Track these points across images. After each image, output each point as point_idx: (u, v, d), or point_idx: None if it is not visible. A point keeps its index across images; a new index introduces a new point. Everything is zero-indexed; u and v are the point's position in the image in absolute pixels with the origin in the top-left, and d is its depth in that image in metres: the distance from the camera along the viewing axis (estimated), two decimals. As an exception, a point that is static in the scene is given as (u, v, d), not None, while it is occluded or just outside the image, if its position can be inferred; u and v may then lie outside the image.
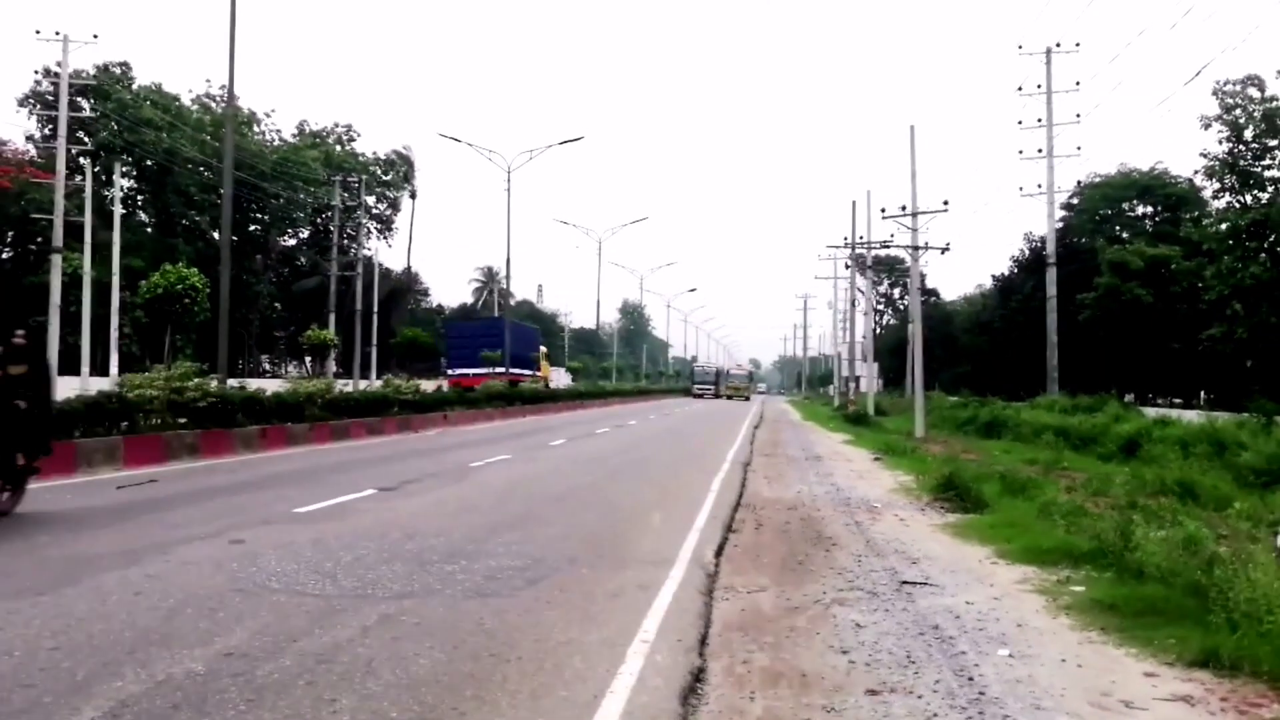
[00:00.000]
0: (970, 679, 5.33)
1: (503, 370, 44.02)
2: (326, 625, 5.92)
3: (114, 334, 40.22)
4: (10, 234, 52.50)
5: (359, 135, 77.55)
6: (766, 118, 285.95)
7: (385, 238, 79.43)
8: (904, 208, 29.93)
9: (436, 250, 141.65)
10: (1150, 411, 28.59)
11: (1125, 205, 54.98)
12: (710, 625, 6.51)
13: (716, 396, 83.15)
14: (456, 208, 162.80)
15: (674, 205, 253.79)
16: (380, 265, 67.02)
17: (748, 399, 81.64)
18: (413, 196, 79.75)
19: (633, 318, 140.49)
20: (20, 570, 7.33)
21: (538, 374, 55.18)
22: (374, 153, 77.86)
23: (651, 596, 7.11)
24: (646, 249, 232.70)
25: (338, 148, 74.50)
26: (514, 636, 5.86)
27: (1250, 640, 5.49)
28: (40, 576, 7.07)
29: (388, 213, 79.05)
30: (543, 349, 62.50)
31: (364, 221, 68.36)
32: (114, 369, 37.67)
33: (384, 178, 76.82)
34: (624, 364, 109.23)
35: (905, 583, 7.90)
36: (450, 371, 49.61)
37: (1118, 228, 53.30)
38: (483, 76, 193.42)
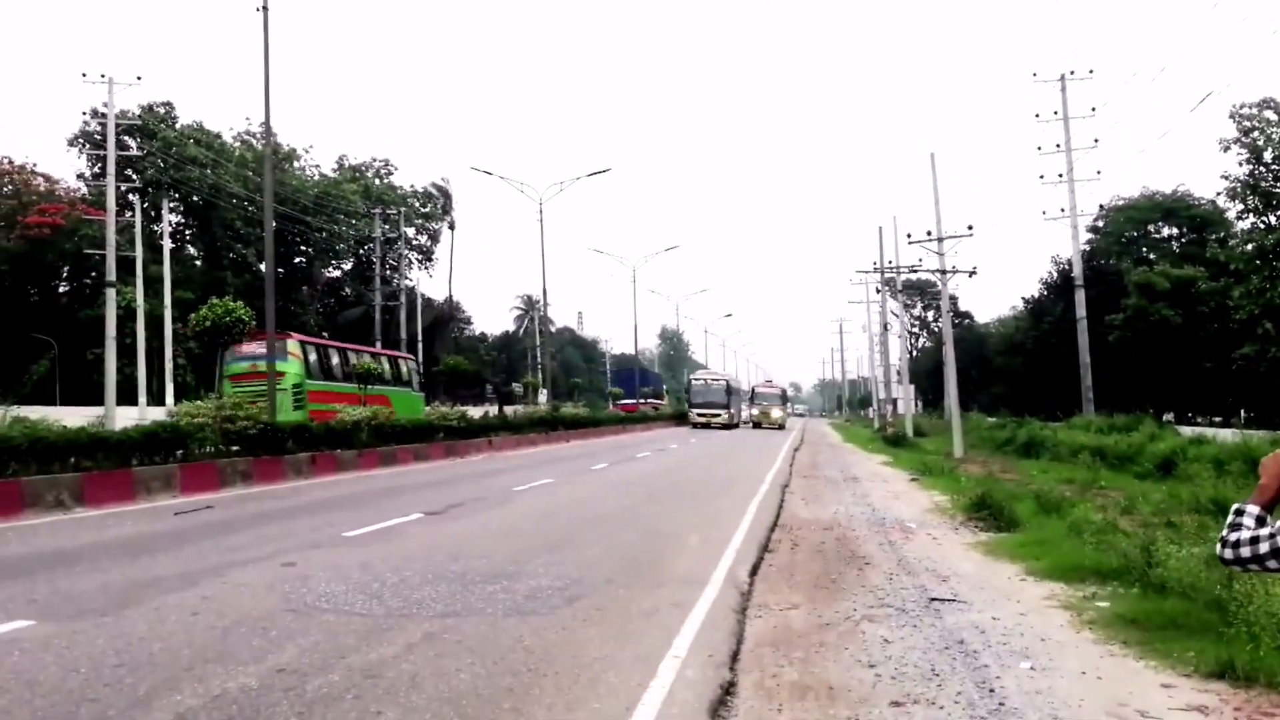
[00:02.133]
0: (991, 690, 5.48)
1: (645, 400, 74.26)
2: (373, 643, 6.19)
3: (168, 365, 41.34)
4: (65, 269, 54.08)
5: (396, 169, 78.89)
6: (794, 144, 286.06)
7: (426, 268, 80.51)
8: (929, 233, 30.12)
9: (477, 279, 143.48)
10: (1186, 430, 28.35)
11: (1150, 227, 54.99)
12: (742, 641, 6.70)
13: (730, 425, 58.14)
14: (495, 237, 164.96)
15: (707, 232, 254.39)
16: (422, 295, 68.08)
17: (782, 426, 61.49)
18: (451, 227, 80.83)
19: (672, 343, 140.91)
20: (84, 593, 7.70)
21: (661, 402, 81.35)
22: (412, 186, 79.14)
23: (685, 614, 7.30)
24: (681, 276, 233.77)
25: (376, 181, 75.81)
26: (551, 653, 6.09)
27: (1266, 652, 5.58)
28: (103, 599, 7.43)
29: (428, 244, 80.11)
30: (663, 386, 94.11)
31: (405, 252, 69.43)
32: (169, 399, 38.70)
33: (422, 210, 77.90)
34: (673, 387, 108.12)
35: (934, 599, 8.05)
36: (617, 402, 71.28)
37: (1144, 249, 53.24)
38: (515, 109, 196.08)
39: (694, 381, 62.37)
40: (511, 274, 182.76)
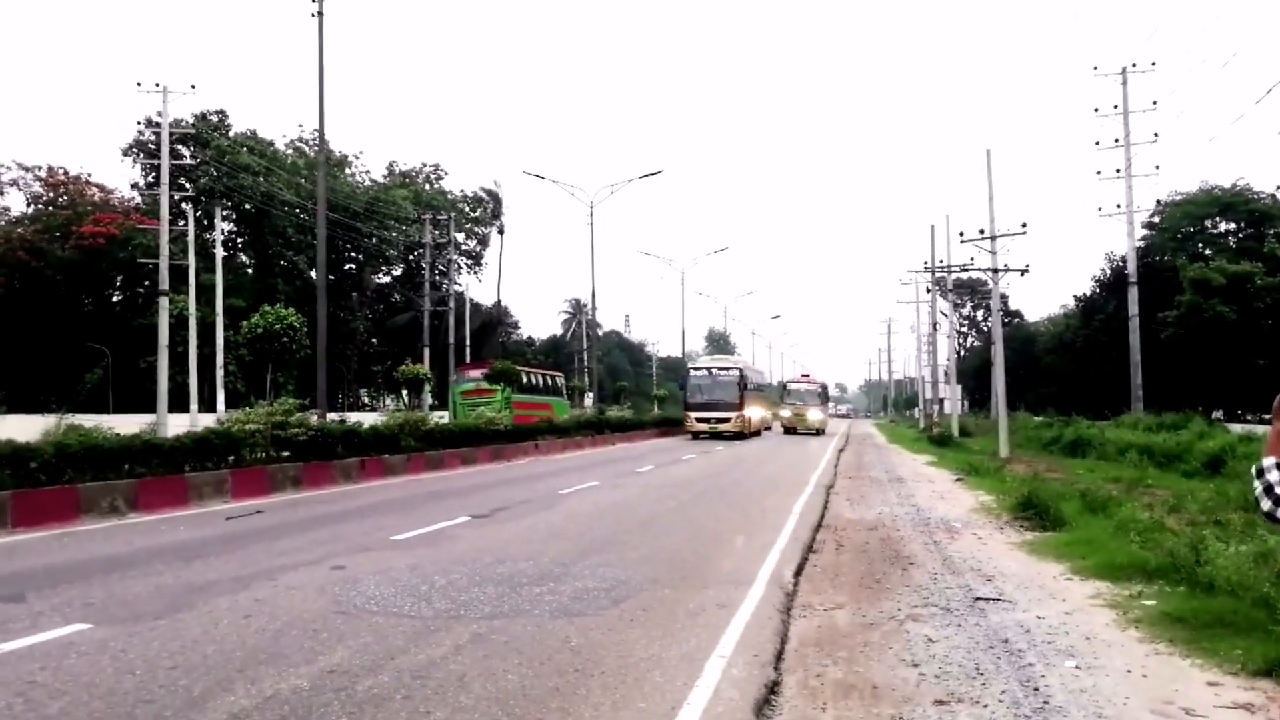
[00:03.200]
0: (1036, 689, 5.44)
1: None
2: (422, 644, 6.28)
3: (219, 372, 42.19)
4: (119, 278, 55.32)
5: (446, 174, 79.82)
6: (844, 145, 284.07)
7: (475, 273, 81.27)
8: (982, 231, 29.79)
9: (525, 283, 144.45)
10: (1236, 428, 27.75)
11: (1207, 222, 53.87)
12: (786, 641, 6.70)
13: (742, 434, 42.85)
14: (544, 241, 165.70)
15: (755, 234, 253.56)
16: (471, 300, 68.69)
17: (820, 431, 50.33)
18: (501, 232, 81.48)
19: (719, 345, 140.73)
20: (139, 597, 7.89)
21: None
22: (462, 191, 79.88)
23: (730, 614, 7.31)
24: (729, 277, 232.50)
25: (426, 186, 76.60)
26: (598, 653, 6.13)
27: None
28: (158, 603, 7.62)
29: (477, 248, 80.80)
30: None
31: (454, 257, 70.11)
32: (220, 405, 39.50)
33: (472, 214, 78.56)
34: None
35: (979, 599, 7.98)
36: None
37: (1200, 245, 52.14)
38: (565, 112, 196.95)
39: (692, 373, 45.55)
40: (559, 277, 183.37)
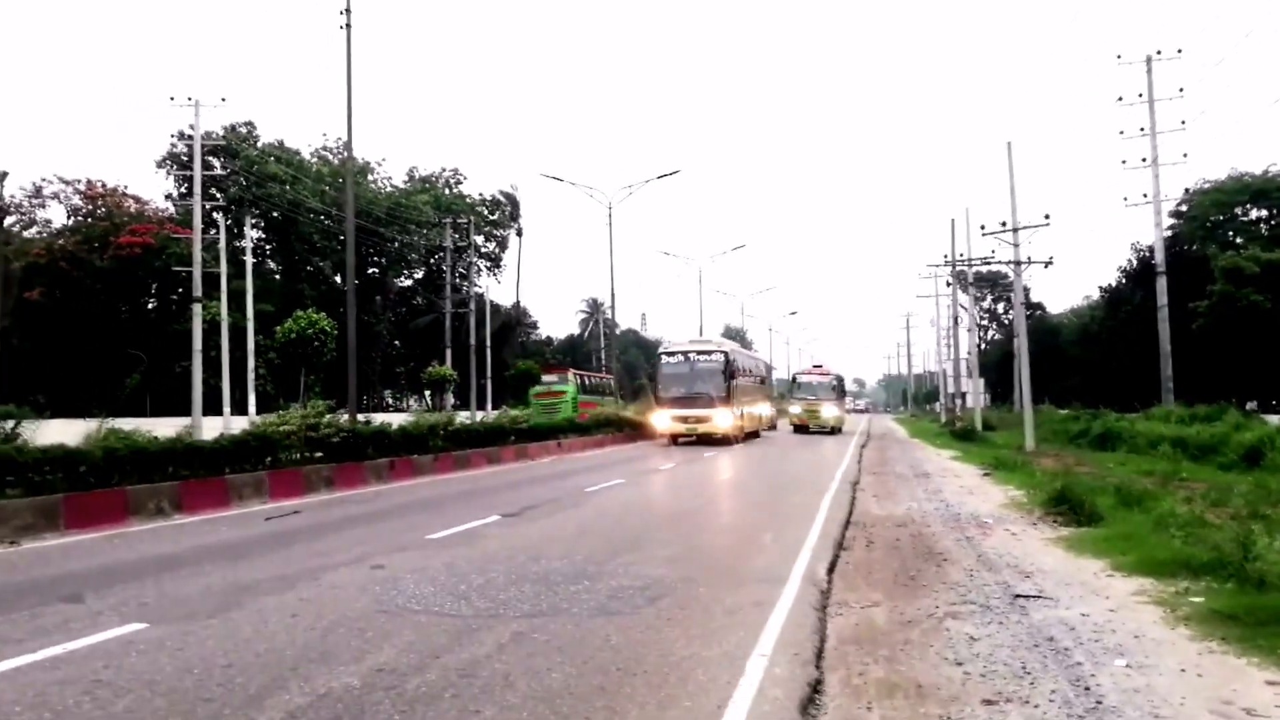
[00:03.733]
0: (1087, 689, 5.42)
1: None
2: (465, 643, 6.38)
3: (250, 375, 42.72)
4: (155, 286, 56.25)
5: (465, 178, 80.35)
6: (861, 139, 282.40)
7: (495, 275, 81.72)
8: (1004, 223, 29.65)
9: (543, 284, 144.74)
10: (1272, 419, 27.32)
11: (1238, 210, 52.97)
12: (825, 639, 6.73)
13: (729, 439, 33.68)
14: (561, 242, 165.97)
15: (772, 230, 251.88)
16: (491, 301, 69.10)
17: (836, 429, 44.56)
18: (519, 234, 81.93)
19: (737, 342, 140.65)
20: (190, 596, 8.07)
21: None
22: (480, 194, 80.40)
23: (767, 613, 7.36)
24: (746, 274, 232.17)
25: (446, 191, 77.25)
26: (639, 652, 6.20)
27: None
28: (208, 602, 7.78)
29: (496, 251, 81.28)
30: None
31: (474, 260, 70.59)
32: (252, 408, 40.00)
33: (491, 217, 79.06)
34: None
35: (1018, 596, 7.95)
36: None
37: (1230, 233, 51.32)
38: (580, 113, 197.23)
39: (664, 360, 35.83)
40: (577, 277, 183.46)
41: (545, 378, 45.64)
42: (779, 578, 8.81)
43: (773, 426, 47.62)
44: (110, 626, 6.89)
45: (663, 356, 36.65)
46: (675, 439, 33.92)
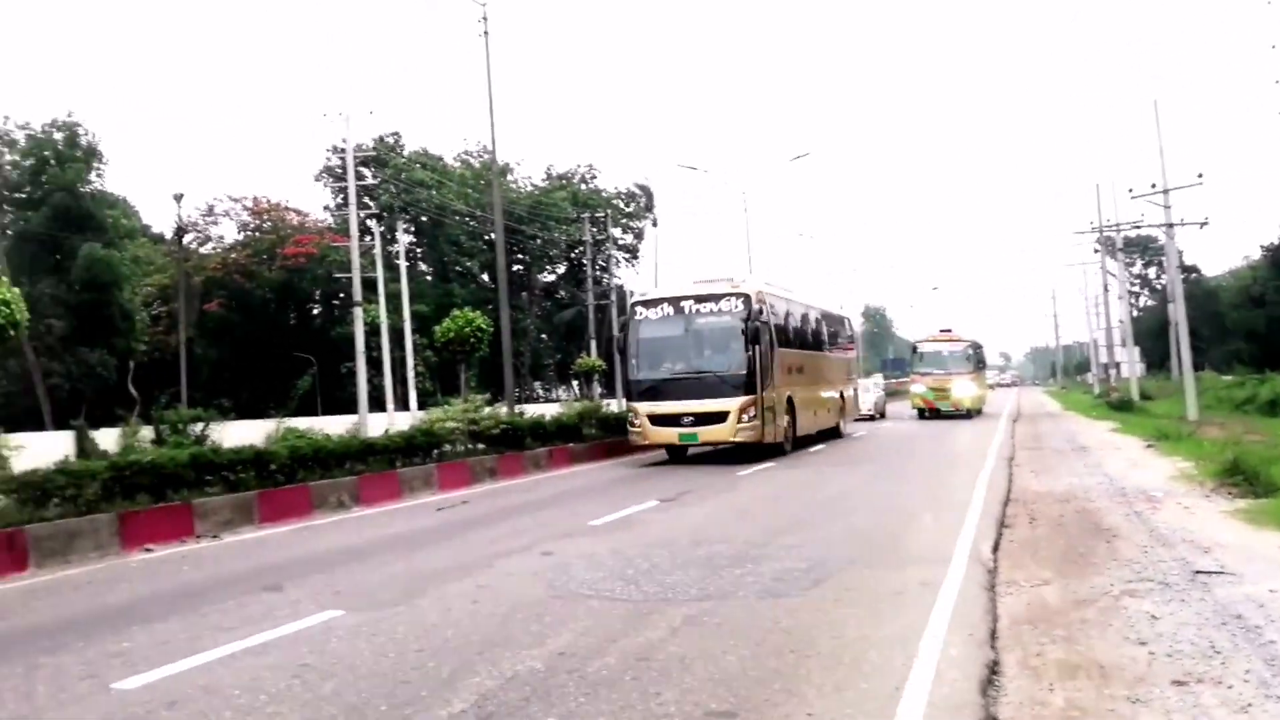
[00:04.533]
0: (1285, 668, 5.14)
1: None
2: (639, 627, 6.58)
3: (410, 373, 44.83)
4: (318, 293, 59.76)
5: (599, 173, 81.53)
6: (1000, 110, 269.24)
7: (633, 265, 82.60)
8: (1153, 185, 28.02)
9: (680, 270, 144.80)
10: None
11: None
12: (998, 619, 6.61)
13: (761, 446, 20.00)
14: (696, 227, 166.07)
15: (911, 207, 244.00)
16: (630, 292, 69.96)
17: (974, 412, 35.90)
18: (654, 224, 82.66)
19: (876, 321, 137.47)
20: (378, 584, 8.62)
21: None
22: (615, 188, 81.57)
23: (934, 593, 7.29)
24: (884, 251, 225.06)
25: (582, 186, 78.67)
26: (810, 634, 6.26)
27: None
28: (395, 590, 8.28)
29: (633, 242, 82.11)
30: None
31: (612, 252, 71.58)
32: (413, 404, 41.98)
33: (626, 210, 79.99)
34: (871, 367, 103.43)
35: (1199, 572, 7.57)
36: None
37: None
38: (711, 98, 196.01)
39: (640, 316, 21.03)
40: (712, 261, 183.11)
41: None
42: (943, 557, 8.69)
43: (879, 414, 38.32)
44: (309, 614, 7.39)
45: (637, 312, 21.05)
46: (668, 451, 21.37)
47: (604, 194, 79.05)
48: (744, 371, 19.70)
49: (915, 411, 36.78)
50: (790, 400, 21.66)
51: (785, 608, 7.00)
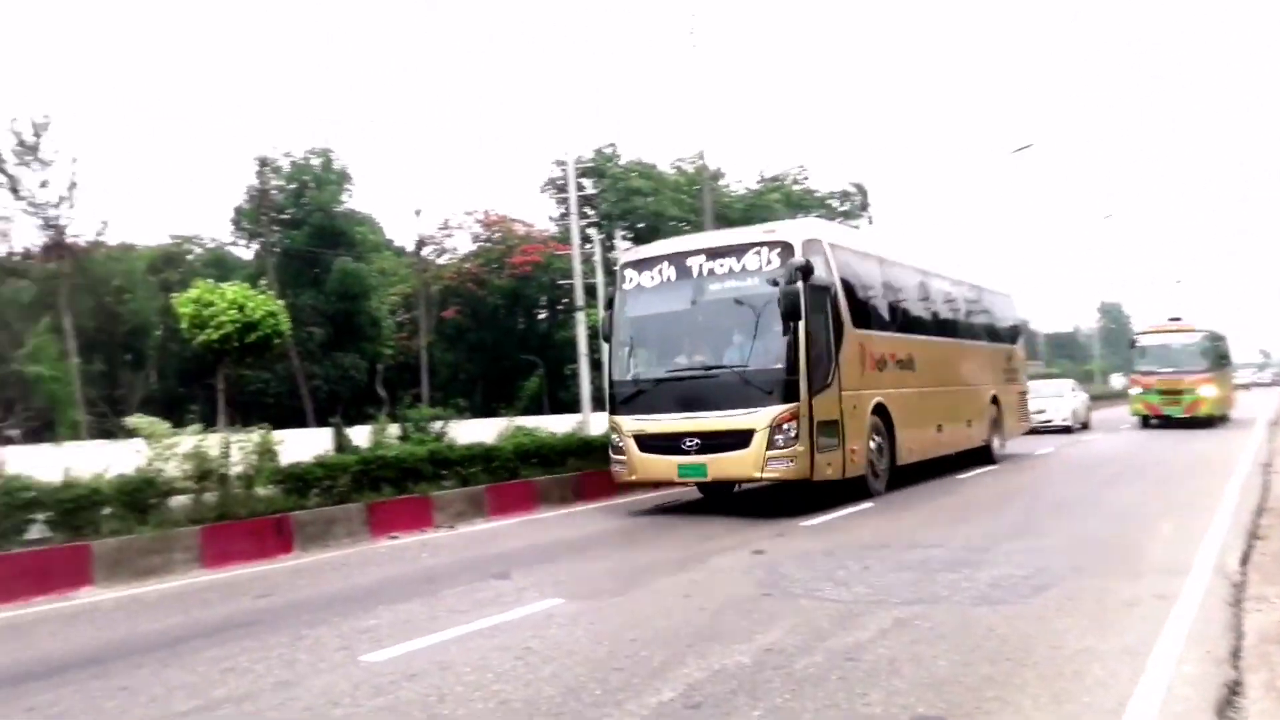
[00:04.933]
0: None
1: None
2: (848, 627, 6.55)
3: (628, 375, 46.18)
4: (543, 299, 63.00)
5: (809, 174, 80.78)
6: (1237, 89, 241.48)
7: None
8: None
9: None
10: None
11: None
12: (1243, 636, 6.09)
13: (815, 490, 13.15)
14: (913, 224, 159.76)
15: (1149, 195, 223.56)
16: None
17: (1216, 419, 29.39)
18: (870, 222, 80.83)
19: (1112, 316, 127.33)
20: (596, 576, 9.06)
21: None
22: (829, 189, 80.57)
23: (1170, 606, 6.80)
24: (1121, 244, 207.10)
25: (794, 187, 78.22)
26: (1027, 643, 6.02)
27: None
28: (612, 581, 8.67)
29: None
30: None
31: (828, 252, 70.55)
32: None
33: (841, 209, 78.70)
34: (1108, 365, 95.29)
35: None
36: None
37: None
38: (929, 93, 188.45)
39: (631, 277, 14.05)
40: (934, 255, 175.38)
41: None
42: (1181, 569, 8.06)
43: (1079, 425, 30.63)
44: (533, 601, 7.88)
45: (626, 274, 14.28)
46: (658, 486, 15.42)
47: (816, 194, 78.22)
48: (780, 365, 12.40)
49: (1137, 420, 30.55)
50: (883, 410, 14.33)
51: (1001, 615, 6.71)
